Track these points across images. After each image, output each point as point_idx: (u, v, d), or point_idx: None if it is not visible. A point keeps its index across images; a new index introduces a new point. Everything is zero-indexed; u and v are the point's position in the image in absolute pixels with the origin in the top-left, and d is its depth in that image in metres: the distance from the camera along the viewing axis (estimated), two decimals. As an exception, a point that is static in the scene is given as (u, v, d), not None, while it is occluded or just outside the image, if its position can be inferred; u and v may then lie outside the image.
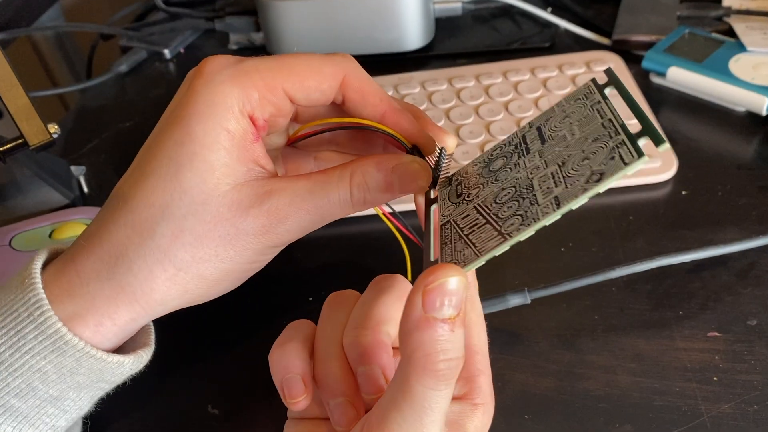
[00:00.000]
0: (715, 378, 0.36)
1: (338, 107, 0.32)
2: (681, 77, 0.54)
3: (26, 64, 0.78)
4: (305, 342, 0.33)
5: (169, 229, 0.28)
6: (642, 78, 0.56)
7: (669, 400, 0.35)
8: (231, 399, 0.38)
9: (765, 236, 0.41)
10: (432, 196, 0.32)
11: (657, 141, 0.24)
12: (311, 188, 0.29)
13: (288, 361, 0.32)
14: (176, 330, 0.42)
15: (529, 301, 0.39)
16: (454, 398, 0.29)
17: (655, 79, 0.56)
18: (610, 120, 0.26)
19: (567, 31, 0.64)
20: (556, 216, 0.25)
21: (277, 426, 0.36)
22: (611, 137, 0.25)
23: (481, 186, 0.30)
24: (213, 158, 0.28)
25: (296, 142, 0.34)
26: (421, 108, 0.54)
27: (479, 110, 0.54)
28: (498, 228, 0.26)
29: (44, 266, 0.30)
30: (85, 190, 0.53)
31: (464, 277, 0.24)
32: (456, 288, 0.24)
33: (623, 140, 0.25)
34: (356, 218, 0.47)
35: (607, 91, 0.28)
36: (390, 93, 0.56)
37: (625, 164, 0.24)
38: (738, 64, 0.53)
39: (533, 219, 0.25)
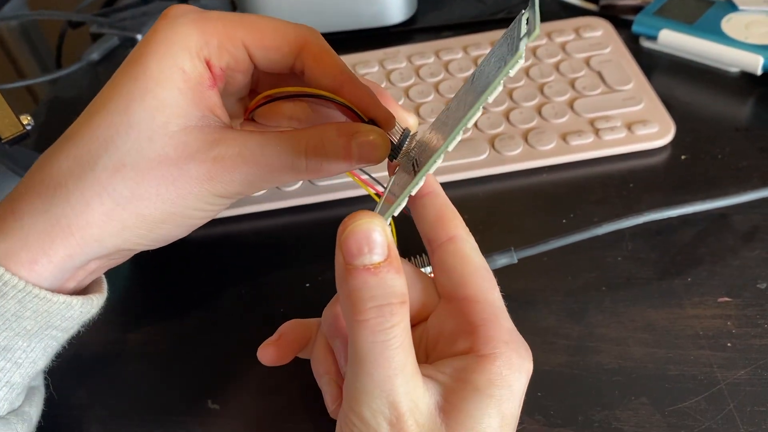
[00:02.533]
0: (728, 344, 0.35)
1: (298, 78, 0.31)
2: (673, 40, 0.53)
3: (-9, 57, 0.75)
4: (310, 322, 0.34)
5: (111, 162, 0.27)
6: (632, 42, 0.55)
7: (684, 369, 0.34)
8: (231, 394, 0.36)
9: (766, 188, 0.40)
10: (395, 171, 0.31)
11: (529, 33, 0.22)
12: (263, 144, 0.28)
13: (283, 326, 0.34)
14: (175, 325, 0.40)
15: (515, 261, 0.38)
16: (459, 353, 0.27)
17: (646, 43, 0.55)
18: (513, 38, 0.25)
19: (552, -1, 0.62)
20: (453, 139, 0.24)
21: (277, 420, 0.35)
22: (508, 52, 0.24)
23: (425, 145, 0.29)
24: (165, 95, 0.27)
25: (255, 111, 0.33)
26: (409, 83, 0.53)
27: (469, 82, 0.52)
28: (415, 171, 0.26)
29: None
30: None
31: (378, 219, 0.24)
32: (369, 232, 0.23)
33: (514, 46, 0.23)
34: (350, 201, 0.46)
35: (526, 16, 0.26)
36: (376, 68, 0.54)
37: (505, 65, 0.23)
38: (730, 24, 0.52)
39: (436, 149, 0.25)
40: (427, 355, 0.29)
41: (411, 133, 0.31)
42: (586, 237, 0.38)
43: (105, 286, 0.32)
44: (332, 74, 0.30)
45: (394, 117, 0.31)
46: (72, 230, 0.27)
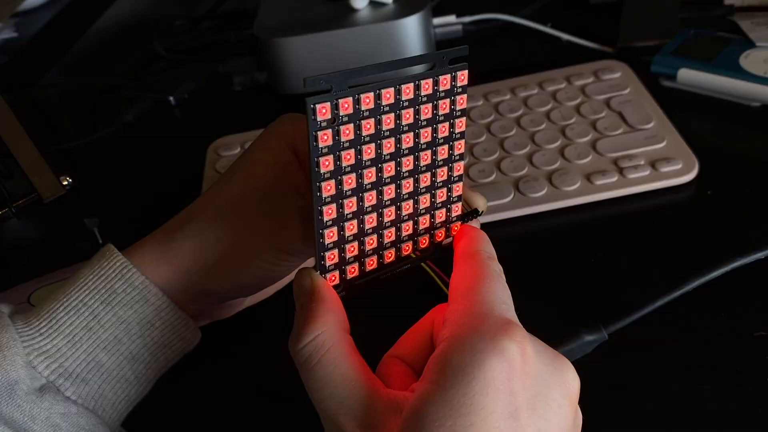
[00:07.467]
0: (768, 379, 0.34)
1: None
2: (692, 78, 0.53)
3: (31, 123, 0.78)
4: None
5: (208, 215, 0.35)
6: (652, 82, 0.55)
7: (725, 405, 0.33)
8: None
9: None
10: None
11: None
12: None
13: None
14: (201, 378, 0.41)
15: (606, 337, 0.37)
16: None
17: (666, 83, 0.56)
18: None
19: (570, 44, 0.64)
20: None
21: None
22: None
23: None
24: (257, 171, 0.35)
25: None
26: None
27: (491, 127, 0.53)
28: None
29: None
30: (100, 241, 0.52)
31: (305, 271, 0.30)
32: (298, 281, 0.29)
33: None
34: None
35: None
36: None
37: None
38: (748, 60, 0.52)
39: None
40: None
41: (479, 213, 0.34)
42: (678, 294, 0.38)
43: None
44: None
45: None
46: (171, 261, 0.34)
